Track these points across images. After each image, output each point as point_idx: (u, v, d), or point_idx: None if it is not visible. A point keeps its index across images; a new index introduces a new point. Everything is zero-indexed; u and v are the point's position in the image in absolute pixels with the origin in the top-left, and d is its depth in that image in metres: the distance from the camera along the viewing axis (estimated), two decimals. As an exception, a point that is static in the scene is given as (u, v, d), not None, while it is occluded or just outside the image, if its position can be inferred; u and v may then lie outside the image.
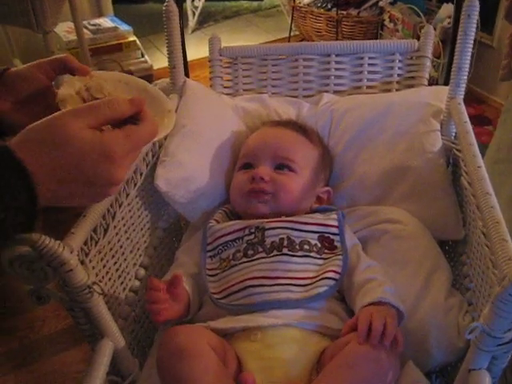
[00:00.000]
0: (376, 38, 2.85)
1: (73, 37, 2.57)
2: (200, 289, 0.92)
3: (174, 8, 1.05)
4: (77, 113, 0.58)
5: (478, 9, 0.94)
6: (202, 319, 0.89)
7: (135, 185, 0.96)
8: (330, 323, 0.83)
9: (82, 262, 0.77)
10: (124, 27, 2.77)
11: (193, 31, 3.62)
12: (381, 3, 2.78)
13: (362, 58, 1.18)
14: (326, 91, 1.20)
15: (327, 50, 1.19)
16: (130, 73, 2.65)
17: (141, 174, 0.98)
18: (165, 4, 1.05)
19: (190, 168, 1.01)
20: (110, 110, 0.60)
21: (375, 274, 0.87)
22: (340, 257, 0.90)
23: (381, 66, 1.18)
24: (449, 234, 0.99)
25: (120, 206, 0.90)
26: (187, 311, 0.87)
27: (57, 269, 0.72)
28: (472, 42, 0.96)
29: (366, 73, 1.19)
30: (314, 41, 3.08)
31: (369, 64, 1.18)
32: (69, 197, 0.59)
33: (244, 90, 1.25)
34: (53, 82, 0.76)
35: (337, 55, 1.19)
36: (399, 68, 1.17)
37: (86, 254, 0.80)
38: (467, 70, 0.98)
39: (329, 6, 2.89)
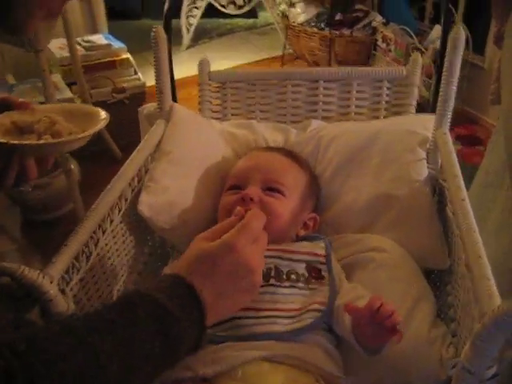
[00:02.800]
0: (369, 58, 2.88)
1: (66, 53, 2.57)
2: None
3: (162, 34, 1.05)
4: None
5: (463, 40, 0.95)
6: None
7: (119, 211, 0.95)
8: (315, 359, 0.82)
9: (63, 291, 0.77)
10: (117, 44, 2.77)
11: (187, 48, 3.64)
12: (374, 23, 2.81)
13: (350, 85, 1.19)
14: (315, 117, 1.21)
15: (315, 76, 1.19)
16: (123, 89, 2.65)
17: (126, 200, 0.97)
18: (153, 29, 1.05)
19: (173, 194, 1.01)
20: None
21: (362, 293, 0.87)
22: (327, 287, 0.89)
23: (369, 93, 1.19)
24: (434, 263, 0.99)
25: (104, 233, 0.90)
26: None
27: (36, 299, 0.71)
28: (457, 73, 0.97)
29: (354, 99, 1.19)
30: (307, 59, 3.10)
31: (357, 91, 1.19)
32: (226, 305, 0.71)
33: (232, 115, 1.25)
34: None
35: (325, 81, 1.19)
36: (387, 95, 1.18)
37: (67, 283, 0.79)
38: (453, 101, 0.99)
39: (322, 26, 2.92)
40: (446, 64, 0.97)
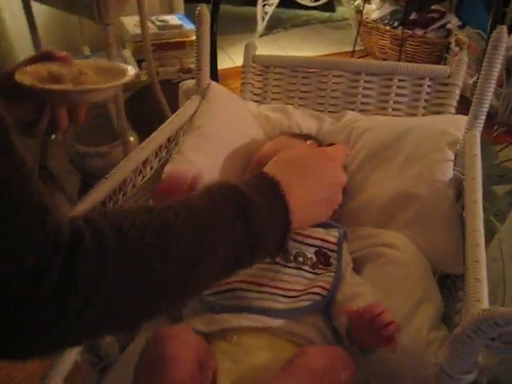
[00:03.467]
0: (440, 61, 2.79)
1: (139, 30, 2.66)
2: None
3: (206, 13, 1.08)
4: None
5: (504, 41, 0.91)
6: (185, 313, 0.92)
7: (143, 177, 0.99)
8: (310, 336, 0.83)
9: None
10: (189, 26, 2.83)
11: (260, 36, 3.66)
12: (449, 26, 2.72)
13: (391, 80, 1.17)
14: (352, 109, 1.20)
15: (358, 68, 1.18)
16: (190, 70, 2.71)
17: (151, 168, 1.01)
18: (197, 8, 1.08)
19: (198, 168, 1.03)
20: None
21: (364, 291, 0.87)
22: (332, 274, 0.89)
23: (409, 90, 1.16)
24: (447, 266, 0.97)
25: (124, 195, 0.94)
26: None
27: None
28: (496, 74, 0.93)
29: (393, 95, 1.18)
30: (377, 57, 3.05)
31: (397, 86, 1.17)
32: (310, 206, 0.69)
33: (272, 99, 1.26)
34: None
35: (366, 74, 1.18)
36: (427, 93, 1.15)
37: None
38: (488, 102, 0.95)
39: (395, 24, 2.85)
40: (484, 64, 0.93)
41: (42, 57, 0.81)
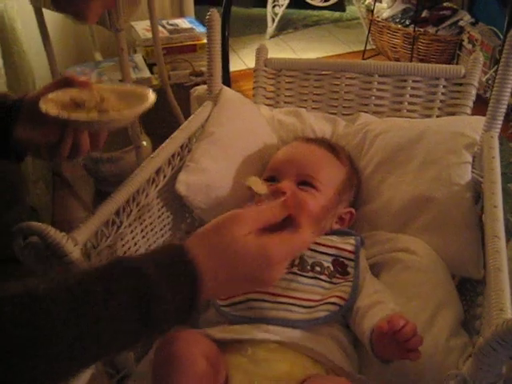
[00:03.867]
0: (453, 59, 2.76)
1: (150, 35, 2.66)
2: None
3: (217, 17, 1.07)
4: (241, 219, 0.66)
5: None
6: (202, 324, 0.91)
7: (156, 186, 0.98)
8: (326, 351, 0.81)
9: (89, 256, 0.81)
10: (200, 29, 2.83)
11: (271, 37, 3.64)
12: (461, 23, 2.69)
13: (405, 81, 1.15)
14: (366, 111, 1.18)
15: (371, 69, 1.17)
16: (201, 73, 2.71)
17: (164, 176, 1.00)
18: (208, 13, 1.07)
19: (212, 175, 1.03)
20: (272, 214, 0.69)
21: (384, 298, 0.85)
22: (350, 283, 0.88)
23: (424, 90, 1.14)
24: (467, 271, 0.95)
25: (137, 205, 0.93)
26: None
27: (60, 259, 0.75)
28: (513, 73, 0.91)
29: (407, 96, 1.16)
30: (388, 56, 3.02)
31: (411, 87, 1.15)
32: (226, 292, 0.72)
33: (285, 103, 1.25)
34: None
35: (380, 75, 1.16)
36: (442, 94, 1.13)
37: (94, 248, 0.83)
38: (506, 102, 0.93)
39: (407, 22, 2.83)
40: (501, 63, 0.91)
41: (63, 82, 0.82)
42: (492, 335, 0.58)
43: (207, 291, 0.61)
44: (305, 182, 0.99)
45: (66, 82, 0.83)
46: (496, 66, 2.39)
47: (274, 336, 0.82)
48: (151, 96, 0.84)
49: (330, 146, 1.06)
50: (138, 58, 2.67)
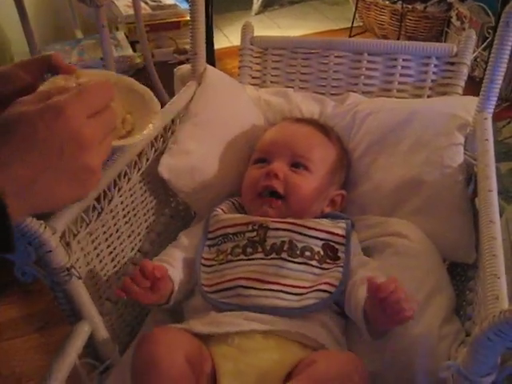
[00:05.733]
0: (441, 36, 2.73)
1: (132, 11, 2.58)
2: (193, 278, 0.91)
3: (200, -7, 1.02)
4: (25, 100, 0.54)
5: (517, 17, 0.86)
6: (188, 311, 0.89)
7: (139, 170, 0.94)
8: (316, 335, 0.80)
9: (68, 244, 0.77)
10: (184, 5, 2.76)
11: (256, 14, 3.57)
12: (450, -1, 2.64)
13: (395, 59, 1.12)
14: (355, 91, 1.15)
15: (360, 47, 1.13)
16: (185, 51, 2.65)
17: (147, 160, 0.96)
18: (191, -12, 1.02)
19: (196, 157, 0.99)
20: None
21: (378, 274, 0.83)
22: (340, 269, 0.86)
23: (414, 70, 1.11)
24: (459, 255, 0.93)
25: (119, 190, 0.89)
26: (167, 300, 0.86)
27: (37, 248, 0.72)
28: (508, 52, 0.88)
29: (397, 75, 1.12)
30: (376, 33, 2.98)
31: (402, 66, 1.12)
32: (46, 196, 0.53)
33: (272, 82, 1.21)
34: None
35: (369, 54, 1.13)
36: (434, 73, 1.10)
37: (74, 235, 0.79)
38: (500, 82, 0.91)
39: (395, -1, 2.78)
40: (495, 42, 0.88)
41: (43, 63, 0.72)
42: (488, 326, 0.56)
43: (17, 196, 0.49)
44: (298, 164, 0.96)
45: (47, 63, 0.73)
46: (484, 44, 2.36)
47: (261, 326, 0.79)
48: (156, 105, 0.77)
49: (321, 126, 1.03)
50: (120, 35, 2.60)
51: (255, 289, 0.83)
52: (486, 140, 0.86)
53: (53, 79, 0.71)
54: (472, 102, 0.99)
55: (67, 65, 0.72)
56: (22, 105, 0.53)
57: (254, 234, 0.90)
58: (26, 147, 0.50)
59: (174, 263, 0.89)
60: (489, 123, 0.91)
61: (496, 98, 0.93)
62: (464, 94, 1.10)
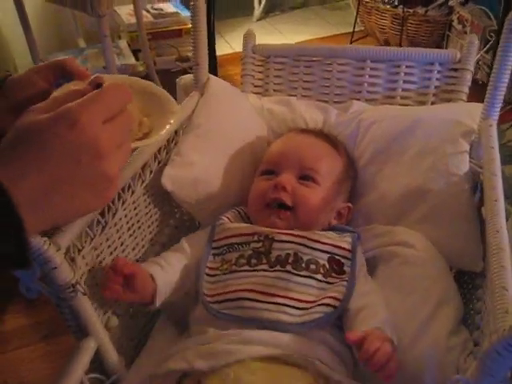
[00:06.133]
0: (442, 40, 2.72)
1: (134, 20, 2.59)
2: (186, 282, 0.90)
3: (202, 4, 1.02)
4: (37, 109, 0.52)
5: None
6: (191, 321, 0.89)
7: (143, 182, 0.94)
8: (317, 356, 0.77)
9: (73, 259, 0.77)
10: (185, 13, 2.76)
11: (258, 20, 3.58)
12: (451, 3, 2.64)
13: (398, 66, 1.11)
14: (358, 98, 1.14)
15: (363, 55, 1.13)
16: (187, 58, 2.65)
17: (150, 172, 0.96)
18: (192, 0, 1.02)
19: (200, 169, 0.99)
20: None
21: (372, 300, 0.83)
22: (345, 283, 0.84)
23: (418, 76, 1.10)
24: (466, 264, 0.92)
25: (123, 203, 0.89)
26: (151, 301, 0.85)
27: (41, 265, 0.72)
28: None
29: (401, 82, 1.12)
30: (377, 37, 2.98)
31: (405, 73, 1.11)
32: (62, 208, 0.51)
33: (274, 91, 1.21)
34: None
35: (372, 61, 1.12)
36: (437, 79, 1.10)
37: (79, 251, 0.79)
38: (504, 88, 0.90)
39: (395, 3, 2.77)
40: (499, 48, 0.88)
41: (57, 68, 0.72)
42: (498, 340, 0.55)
43: (31, 208, 0.46)
44: (305, 176, 0.96)
45: (61, 68, 0.72)
46: (486, 47, 2.35)
47: (260, 349, 0.77)
48: (175, 105, 0.75)
49: (327, 137, 1.03)
50: (123, 43, 2.61)
51: (258, 301, 0.82)
52: (492, 148, 0.85)
53: (66, 85, 0.70)
54: (476, 108, 0.98)
55: (81, 69, 0.71)
56: (35, 113, 0.51)
57: (260, 244, 0.90)
58: (41, 158, 0.48)
59: (164, 265, 0.89)
60: (494, 130, 0.90)
61: (500, 105, 0.92)
62: (467, 98, 1.10)
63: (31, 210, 0.46)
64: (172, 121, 0.72)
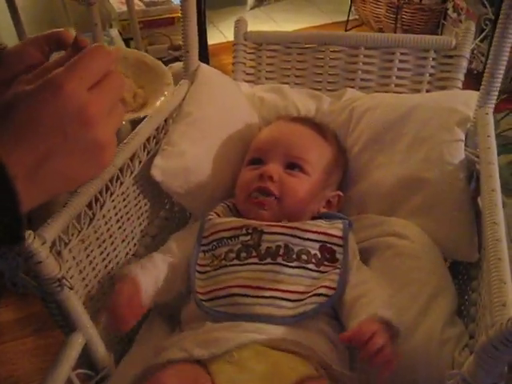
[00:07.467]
0: (437, 28, 2.70)
1: (125, 8, 2.55)
2: (177, 282, 0.88)
3: (192, -10, 0.99)
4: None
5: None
6: (183, 318, 0.87)
7: (131, 173, 0.92)
8: (315, 346, 0.76)
9: (59, 253, 0.75)
10: (177, 1, 2.73)
11: (251, 8, 3.54)
12: (446, -10, 2.61)
13: (392, 53, 1.09)
14: (352, 86, 1.12)
15: (356, 41, 1.10)
16: (180, 47, 2.61)
17: (139, 162, 0.94)
18: (182, -16, 0.99)
19: (190, 158, 0.97)
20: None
21: (369, 290, 0.80)
22: (338, 271, 0.82)
23: (412, 64, 1.08)
24: (461, 255, 0.90)
25: (111, 195, 0.87)
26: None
27: (26, 259, 0.69)
28: (509, 45, 0.85)
29: (395, 69, 1.10)
30: (372, 26, 2.95)
31: (399, 60, 1.09)
32: (59, 177, 0.50)
33: (266, 79, 1.19)
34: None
35: (366, 48, 1.10)
36: (432, 67, 1.08)
37: (65, 244, 0.77)
38: (501, 76, 0.88)
39: (391, -9, 2.75)
40: (495, 36, 0.86)
41: (52, 39, 0.69)
42: (495, 334, 0.54)
43: (27, 181, 0.46)
44: (293, 165, 0.94)
45: (56, 39, 0.69)
46: (481, 36, 2.33)
47: (259, 336, 0.76)
48: (168, 75, 0.74)
49: (316, 125, 1.00)
50: (114, 32, 2.57)
51: (249, 296, 0.80)
52: (488, 136, 0.83)
53: (57, 54, 0.68)
54: (472, 96, 0.96)
55: (78, 38, 0.64)
56: (23, 84, 0.50)
57: (248, 237, 0.87)
58: (30, 128, 0.47)
59: (149, 267, 0.86)
60: (490, 119, 0.88)
61: (497, 93, 0.90)
62: (462, 87, 1.08)
63: (26, 183, 0.46)
64: (166, 92, 0.71)
